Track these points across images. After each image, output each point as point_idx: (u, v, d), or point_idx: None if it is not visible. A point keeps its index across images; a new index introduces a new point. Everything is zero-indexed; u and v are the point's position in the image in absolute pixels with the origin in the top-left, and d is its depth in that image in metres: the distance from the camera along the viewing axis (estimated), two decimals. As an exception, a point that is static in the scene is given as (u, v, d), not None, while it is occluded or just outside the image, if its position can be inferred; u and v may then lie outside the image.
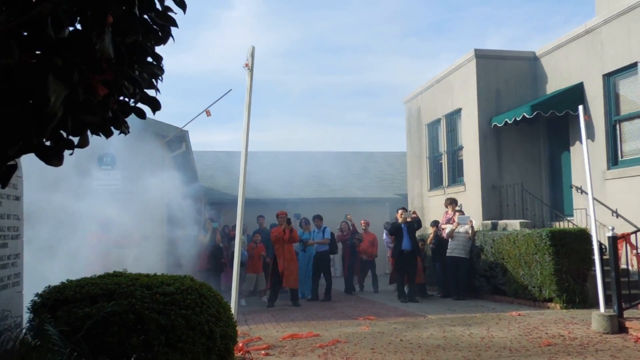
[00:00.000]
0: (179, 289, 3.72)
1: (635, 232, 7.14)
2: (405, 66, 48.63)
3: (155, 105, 1.93)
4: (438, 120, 13.50)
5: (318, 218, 11.34)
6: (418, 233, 11.22)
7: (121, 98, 1.82)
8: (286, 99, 50.09)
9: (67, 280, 3.93)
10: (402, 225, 10.38)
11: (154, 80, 1.79)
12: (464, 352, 5.71)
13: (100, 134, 1.84)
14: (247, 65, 5.43)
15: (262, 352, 5.91)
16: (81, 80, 1.42)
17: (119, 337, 3.32)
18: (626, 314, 6.79)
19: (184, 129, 10.70)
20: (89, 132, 1.76)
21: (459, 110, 12.44)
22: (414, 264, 10.26)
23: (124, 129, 1.83)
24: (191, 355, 3.45)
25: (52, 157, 1.66)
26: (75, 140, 1.74)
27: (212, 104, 10.44)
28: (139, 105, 1.93)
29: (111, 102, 1.62)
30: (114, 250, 8.99)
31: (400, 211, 10.70)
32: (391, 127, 47.29)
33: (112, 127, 1.88)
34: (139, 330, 3.37)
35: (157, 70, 1.77)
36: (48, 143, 1.65)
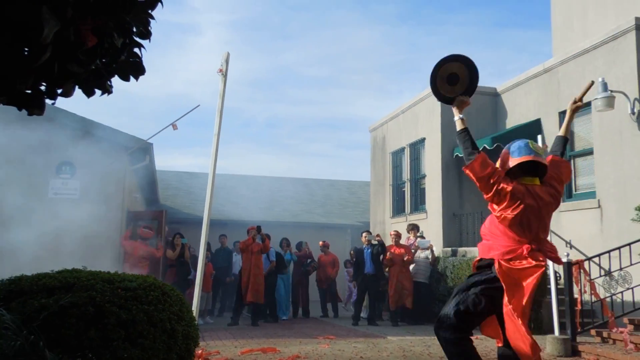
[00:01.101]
0: (142, 285, 3.62)
1: (588, 260, 7.40)
2: (369, 101, 49.74)
3: (139, 69, 1.93)
4: (402, 149, 13.79)
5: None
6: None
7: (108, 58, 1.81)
8: (250, 127, 50.15)
9: (22, 274, 3.77)
10: (365, 249, 10.43)
11: (142, 28, 1.78)
12: (424, 369, 5.72)
13: (82, 91, 1.82)
14: (221, 71, 5.46)
15: (220, 365, 5.76)
16: (73, 19, 1.42)
17: (76, 330, 3.18)
18: (579, 338, 6.98)
19: (148, 141, 10.54)
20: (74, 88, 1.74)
21: (422, 140, 12.76)
22: (377, 288, 10.29)
23: (107, 87, 1.82)
24: (151, 352, 3.33)
25: (34, 106, 1.63)
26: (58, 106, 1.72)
27: (179, 119, 10.36)
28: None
29: (99, 52, 1.61)
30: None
31: (364, 234, 10.77)
32: (354, 159, 47.91)
33: (95, 88, 1.86)
34: (98, 324, 3.24)
35: (148, 17, 1.76)
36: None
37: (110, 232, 10.26)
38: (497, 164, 3.51)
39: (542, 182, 3.43)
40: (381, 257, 10.41)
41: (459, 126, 3.70)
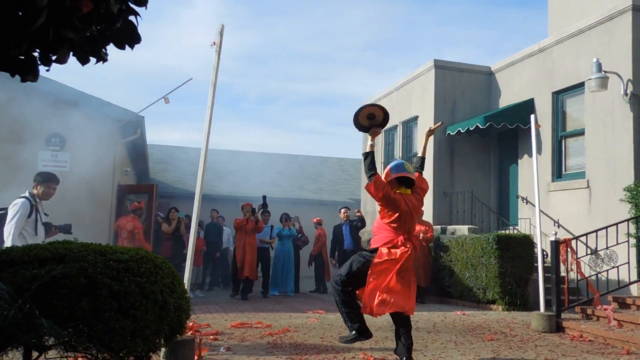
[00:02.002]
0: (134, 257, 3.61)
1: (576, 239, 7.51)
2: (362, 79, 49.39)
3: (134, 37, 1.89)
4: (395, 127, 13.77)
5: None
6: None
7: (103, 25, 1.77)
8: (242, 103, 49.68)
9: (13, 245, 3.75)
10: (344, 225, 10.48)
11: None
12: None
13: (77, 59, 1.78)
14: (214, 43, 5.37)
15: (211, 337, 5.82)
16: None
17: (68, 301, 3.17)
18: (564, 315, 7.12)
19: (139, 114, 10.43)
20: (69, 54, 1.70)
21: (415, 118, 12.75)
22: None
23: (103, 55, 1.78)
24: (143, 323, 3.34)
25: (28, 72, 1.60)
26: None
27: (171, 92, 10.27)
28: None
29: (94, 18, 1.58)
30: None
31: (342, 210, 10.78)
32: (346, 136, 47.82)
33: (90, 56, 1.83)
34: (89, 295, 3.24)
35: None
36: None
37: (100, 205, 10.22)
38: (383, 176, 4.79)
39: (412, 191, 4.82)
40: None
41: (367, 149, 4.91)
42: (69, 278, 3.24)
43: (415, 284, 4.91)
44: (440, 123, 5.77)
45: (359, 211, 11.03)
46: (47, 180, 5.49)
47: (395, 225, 4.67)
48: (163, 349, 4.43)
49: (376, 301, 4.59)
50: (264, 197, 10.35)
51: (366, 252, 4.93)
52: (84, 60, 1.80)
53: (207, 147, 5.89)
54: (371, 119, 5.06)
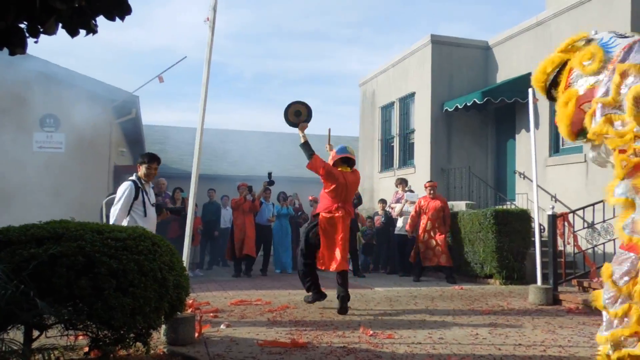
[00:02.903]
0: (131, 235, 3.60)
1: (573, 212, 7.54)
2: (358, 56, 48.93)
3: (124, 7, 1.84)
4: (392, 104, 13.70)
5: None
6: (369, 212, 11.35)
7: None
8: (237, 82, 49.27)
9: (10, 225, 3.73)
10: None
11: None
12: (410, 317, 5.88)
13: (66, 31, 1.74)
14: (208, 19, 5.28)
15: (211, 314, 5.86)
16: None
17: (66, 280, 3.17)
18: (560, 288, 7.19)
19: (134, 94, 10.33)
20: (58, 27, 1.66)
21: (412, 94, 12.67)
22: (353, 240, 10.39)
23: (92, 26, 1.74)
24: (143, 300, 3.35)
25: (16, 44, 1.56)
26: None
27: (165, 71, 10.15)
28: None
29: (83, -12, 1.53)
30: None
31: None
32: (343, 115, 47.63)
33: (79, 28, 1.78)
34: (88, 273, 3.24)
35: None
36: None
37: (96, 186, 10.20)
38: (330, 158, 6.19)
39: (351, 170, 6.21)
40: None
41: (302, 140, 6.28)
42: (67, 257, 3.24)
43: (347, 244, 6.14)
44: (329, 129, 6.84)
45: None
46: (148, 160, 5.39)
47: (333, 194, 6.03)
48: (163, 326, 4.46)
49: (320, 260, 6.13)
50: (270, 174, 10.32)
51: (311, 224, 6.41)
52: (73, 32, 1.76)
53: (203, 126, 5.84)
54: (298, 115, 6.34)
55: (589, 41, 3.59)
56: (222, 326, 5.22)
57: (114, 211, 5.16)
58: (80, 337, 3.89)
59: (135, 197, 5.20)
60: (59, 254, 3.23)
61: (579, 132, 3.49)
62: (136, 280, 3.37)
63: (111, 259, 3.34)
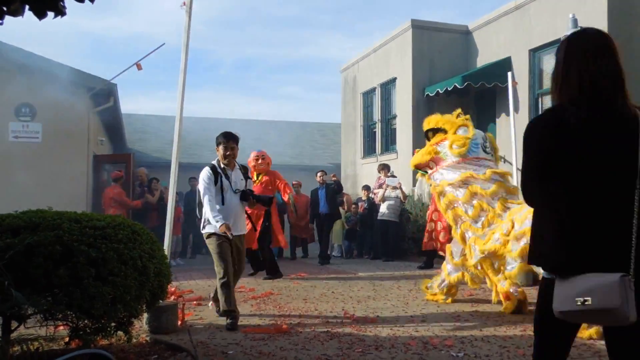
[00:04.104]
0: (110, 224, 3.56)
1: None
2: (339, 42, 48.66)
3: (95, -12, 1.79)
4: (373, 89, 13.68)
5: None
6: (352, 199, 11.37)
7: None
8: (218, 69, 48.72)
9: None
10: (320, 189, 10.46)
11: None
12: (393, 301, 5.93)
13: (33, 13, 1.68)
14: (184, 4, 5.20)
15: (194, 302, 5.84)
16: None
17: (44, 269, 3.12)
18: (536, 269, 7.29)
19: (112, 82, 10.15)
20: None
21: (394, 80, 12.66)
22: (329, 226, 10.44)
23: (60, 8, 1.69)
24: (123, 289, 3.31)
25: (-21, 26, 1.50)
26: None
27: (144, 57, 9.95)
28: None
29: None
30: None
31: (319, 174, 10.73)
32: (325, 102, 47.49)
33: (47, 10, 1.73)
34: (66, 262, 3.19)
35: None
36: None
37: (75, 175, 10.04)
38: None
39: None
40: (338, 197, 10.56)
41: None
42: (44, 246, 3.18)
43: (259, 226, 7.20)
44: None
45: (334, 175, 10.97)
46: (223, 140, 4.93)
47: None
48: (146, 315, 4.44)
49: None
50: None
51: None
52: (40, 14, 1.70)
53: (182, 114, 5.78)
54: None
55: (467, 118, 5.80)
56: (209, 304, 5.25)
57: (204, 207, 4.78)
58: (61, 328, 3.85)
59: (215, 183, 4.82)
60: (36, 243, 3.17)
61: (419, 168, 5.91)
62: (116, 269, 3.33)
63: (90, 247, 3.29)
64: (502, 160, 10.73)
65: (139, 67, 10.03)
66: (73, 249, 3.23)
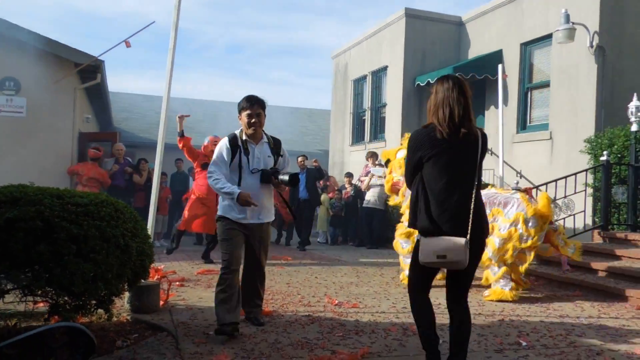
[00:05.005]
0: (93, 201, 3.51)
1: (536, 188, 7.70)
2: (332, 28, 48.32)
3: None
4: (364, 77, 13.64)
5: None
6: (338, 185, 11.37)
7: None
8: (209, 51, 48.16)
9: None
10: (300, 174, 10.42)
11: None
12: (375, 288, 5.97)
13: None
14: (175, -19, 5.10)
15: (177, 283, 5.83)
16: None
17: (24, 244, 3.09)
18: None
19: (99, 58, 9.97)
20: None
21: (385, 68, 12.63)
22: (310, 213, 10.39)
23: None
24: (104, 267, 3.29)
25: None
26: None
27: (133, 35, 9.77)
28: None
29: None
30: None
31: (300, 158, 10.67)
32: (316, 87, 47.26)
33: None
34: (47, 238, 3.15)
35: None
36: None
37: (60, 152, 9.90)
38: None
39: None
40: (324, 182, 10.54)
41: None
42: (25, 221, 3.14)
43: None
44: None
45: (315, 161, 10.92)
46: (247, 105, 3.98)
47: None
48: (127, 294, 4.43)
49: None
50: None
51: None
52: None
53: (169, 94, 5.69)
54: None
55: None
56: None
57: (208, 180, 4.02)
58: (41, 305, 3.82)
59: (232, 158, 3.96)
60: (16, 218, 3.13)
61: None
62: (97, 247, 3.30)
63: (71, 224, 3.25)
64: (490, 152, 10.83)
65: (128, 45, 9.86)
66: (54, 225, 3.19)
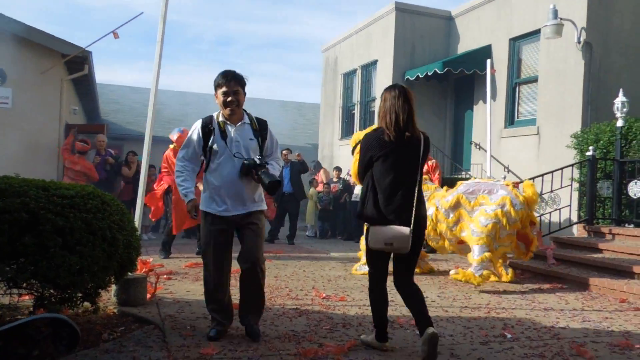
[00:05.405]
0: (79, 193, 3.49)
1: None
2: (322, 21, 48.18)
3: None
4: (354, 71, 13.64)
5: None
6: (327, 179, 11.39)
7: None
8: (198, 44, 47.81)
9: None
10: (284, 167, 10.39)
11: None
12: (363, 281, 6.00)
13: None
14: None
15: (165, 276, 5.81)
16: None
17: (9, 236, 3.06)
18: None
19: (87, 49, 9.86)
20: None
21: (375, 62, 12.63)
22: (296, 207, 10.34)
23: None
24: (90, 259, 3.27)
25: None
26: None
27: (121, 26, 9.67)
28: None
29: None
30: None
31: (284, 152, 10.65)
32: (305, 81, 47.16)
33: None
34: (32, 230, 3.13)
35: None
36: None
37: (46, 144, 9.80)
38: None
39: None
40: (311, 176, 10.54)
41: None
42: (10, 213, 3.11)
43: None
44: None
45: (299, 155, 10.90)
46: (223, 80, 3.58)
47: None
48: (114, 287, 4.41)
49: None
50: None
51: None
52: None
53: (157, 86, 5.66)
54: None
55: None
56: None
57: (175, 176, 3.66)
58: (26, 297, 3.79)
59: (203, 145, 3.59)
60: (1, 209, 3.10)
61: None
62: (84, 239, 3.28)
63: (57, 216, 3.23)
64: (478, 147, 10.90)
65: (116, 36, 9.76)
66: (39, 216, 3.16)
